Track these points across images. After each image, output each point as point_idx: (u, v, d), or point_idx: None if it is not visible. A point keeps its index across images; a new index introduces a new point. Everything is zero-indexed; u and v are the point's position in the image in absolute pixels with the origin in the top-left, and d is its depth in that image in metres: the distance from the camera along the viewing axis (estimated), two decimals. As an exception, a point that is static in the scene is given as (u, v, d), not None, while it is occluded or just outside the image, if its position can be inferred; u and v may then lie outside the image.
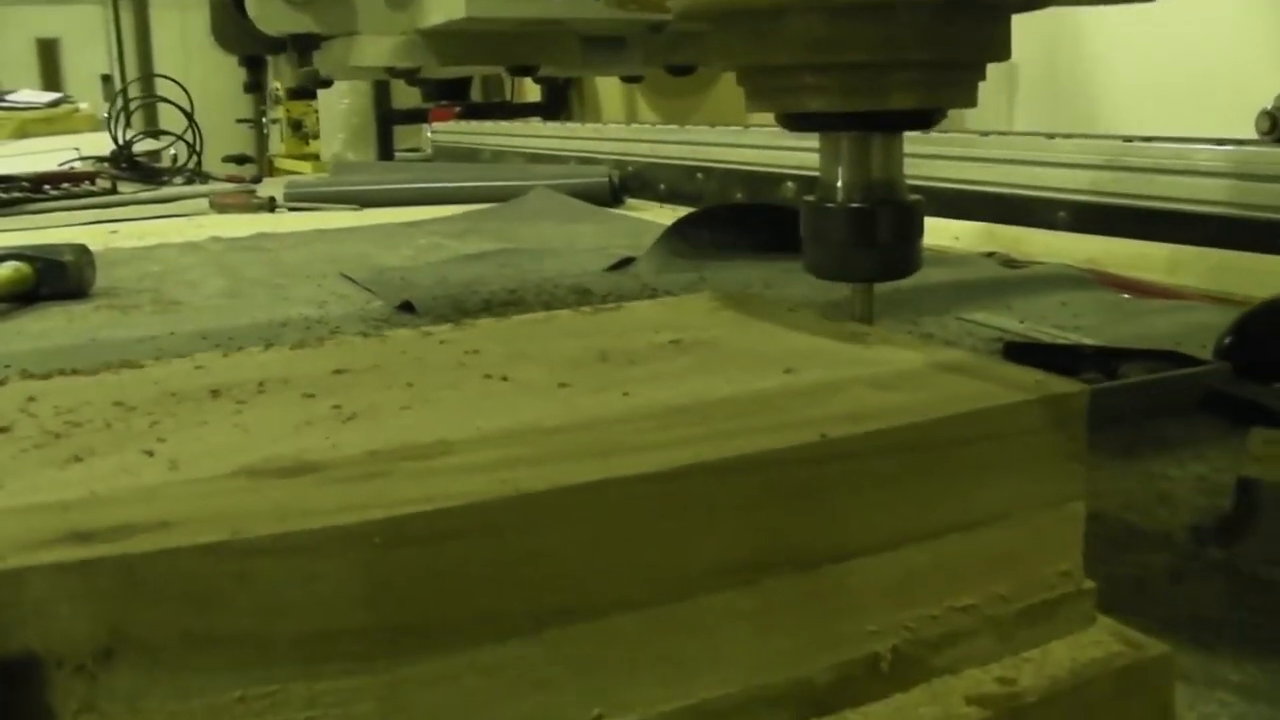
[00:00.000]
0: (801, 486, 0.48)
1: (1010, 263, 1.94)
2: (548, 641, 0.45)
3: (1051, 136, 2.17)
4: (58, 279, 1.83)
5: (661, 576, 0.47)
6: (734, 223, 2.07)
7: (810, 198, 0.73)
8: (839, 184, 0.72)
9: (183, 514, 0.42)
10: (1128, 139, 2.02)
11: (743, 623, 0.49)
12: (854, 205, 0.72)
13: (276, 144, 6.20)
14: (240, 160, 5.75)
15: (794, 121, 0.72)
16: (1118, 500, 0.91)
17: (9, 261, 1.82)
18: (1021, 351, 1.26)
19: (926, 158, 2.32)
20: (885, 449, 0.50)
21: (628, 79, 1.40)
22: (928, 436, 0.51)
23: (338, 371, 0.60)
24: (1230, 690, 0.64)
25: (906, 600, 0.52)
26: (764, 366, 0.59)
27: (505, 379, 0.58)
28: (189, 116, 3.90)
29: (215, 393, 0.58)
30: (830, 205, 0.72)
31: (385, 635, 0.42)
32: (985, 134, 2.32)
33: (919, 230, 0.73)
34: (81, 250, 1.90)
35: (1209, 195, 1.84)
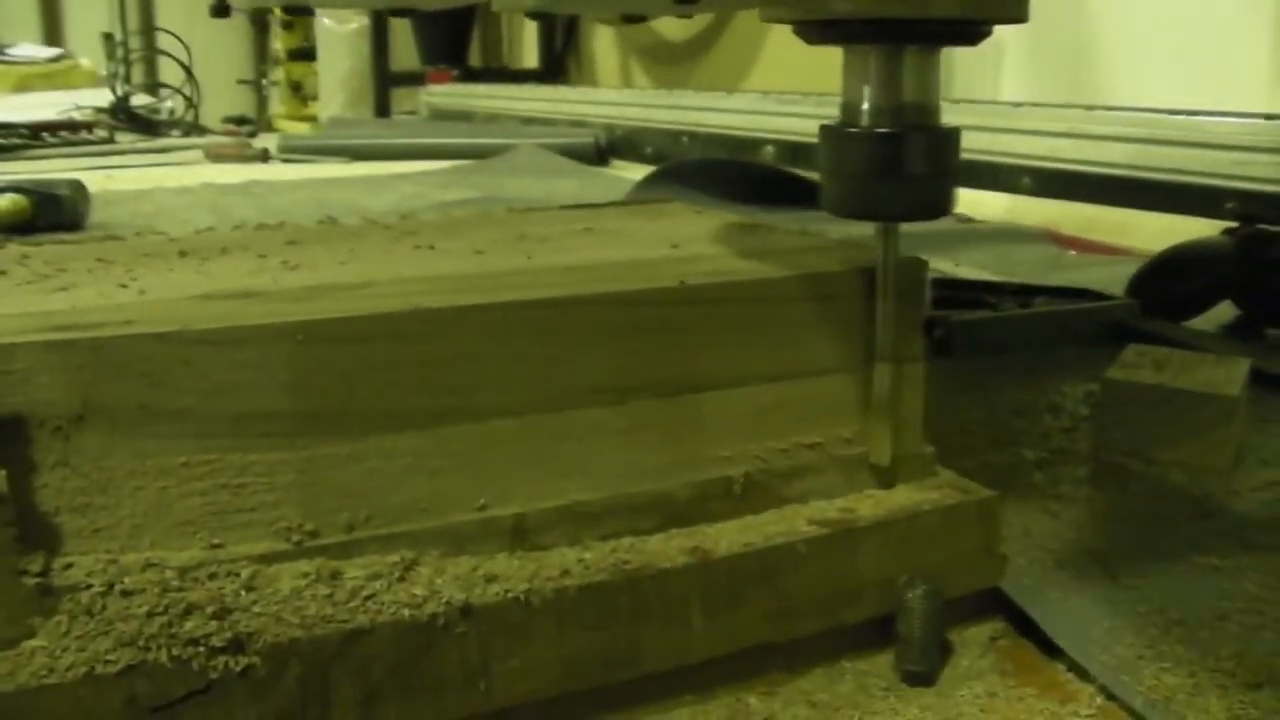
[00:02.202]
0: (662, 323, 0.58)
1: (967, 220, 2.03)
2: (439, 436, 0.55)
3: (1018, 105, 2.26)
4: (54, 212, 1.92)
5: (538, 389, 0.56)
6: (703, 177, 2.16)
7: (829, 123, 0.62)
8: (865, 106, 0.61)
9: (145, 316, 0.52)
10: (1089, 107, 2.10)
11: (611, 438, 0.58)
12: (882, 130, 0.60)
13: (276, 105, 6.27)
14: (240, 121, 5.82)
15: (816, 32, 0.62)
16: (1009, 408, 1.01)
17: (7, 194, 1.90)
18: (943, 284, 1.34)
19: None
20: (733, 298, 0.60)
21: (631, 19, 1.43)
22: (770, 291, 0.61)
23: (290, 242, 0.70)
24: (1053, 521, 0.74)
25: (757, 433, 0.62)
26: (655, 244, 0.68)
27: (432, 248, 0.68)
28: (187, 70, 3.99)
29: (183, 253, 0.67)
30: (854, 130, 0.61)
31: (303, 419, 0.52)
32: (956, 101, 2.40)
33: (954, 162, 0.62)
34: (77, 186, 1.99)
35: (1163, 163, 1.92)
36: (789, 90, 2.85)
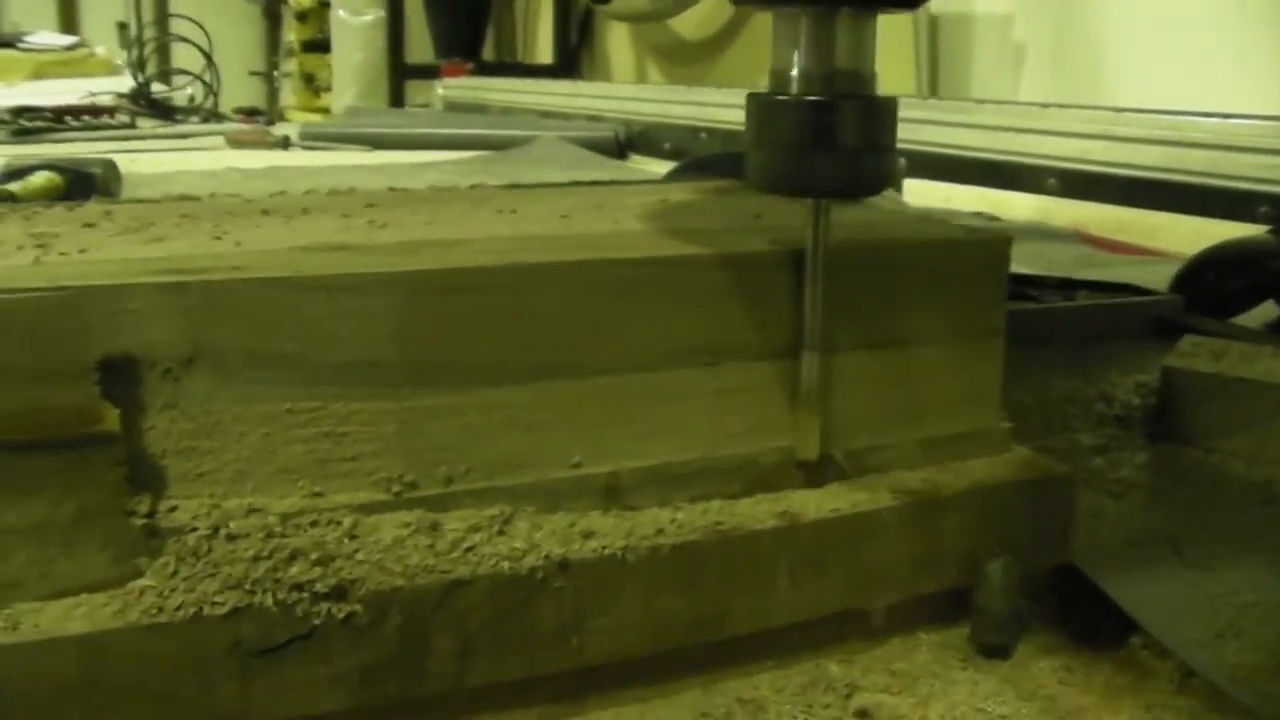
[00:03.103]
0: (756, 287, 0.58)
1: (992, 219, 2.03)
2: (537, 391, 0.55)
3: (1045, 106, 2.26)
4: (87, 190, 1.92)
5: (634, 348, 0.57)
6: (729, 170, 2.16)
7: (757, 93, 0.58)
8: (794, 73, 0.57)
9: (251, 263, 0.52)
10: (1118, 110, 2.10)
11: (703, 400, 0.58)
12: (811, 99, 0.56)
13: (288, 96, 6.27)
14: (251, 112, 5.82)
15: None
16: (1062, 394, 1.01)
17: (42, 171, 1.90)
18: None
19: (921, 122, 2.40)
20: (830, 265, 0.60)
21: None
22: (870, 259, 0.61)
23: (369, 205, 0.70)
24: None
25: (844, 401, 0.62)
26: (736, 215, 0.68)
27: (514, 212, 0.68)
28: (208, 57, 3.99)
29: (265, 212, 0.67)
30: (782, 98, 0.57)
31: (407, 369, 0.52)
32: (981, 102, 2.40)
33: (891, 135, 0.58)
34: (109, 165, 1.99)
35: (1193, 166, 1.92)
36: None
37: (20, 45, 5.43)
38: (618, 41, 4.59)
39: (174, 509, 0.50)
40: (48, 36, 5.80)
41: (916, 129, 2.34)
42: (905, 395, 0.64)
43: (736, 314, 0.59)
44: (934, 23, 2.96)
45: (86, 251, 0.55)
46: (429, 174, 2.47)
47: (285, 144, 3.12)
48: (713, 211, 0.69)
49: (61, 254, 0.54)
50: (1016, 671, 0.60)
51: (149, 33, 4.73)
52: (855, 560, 0.60)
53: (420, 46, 4.90)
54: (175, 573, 0.48)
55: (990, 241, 0.65)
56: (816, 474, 0.62)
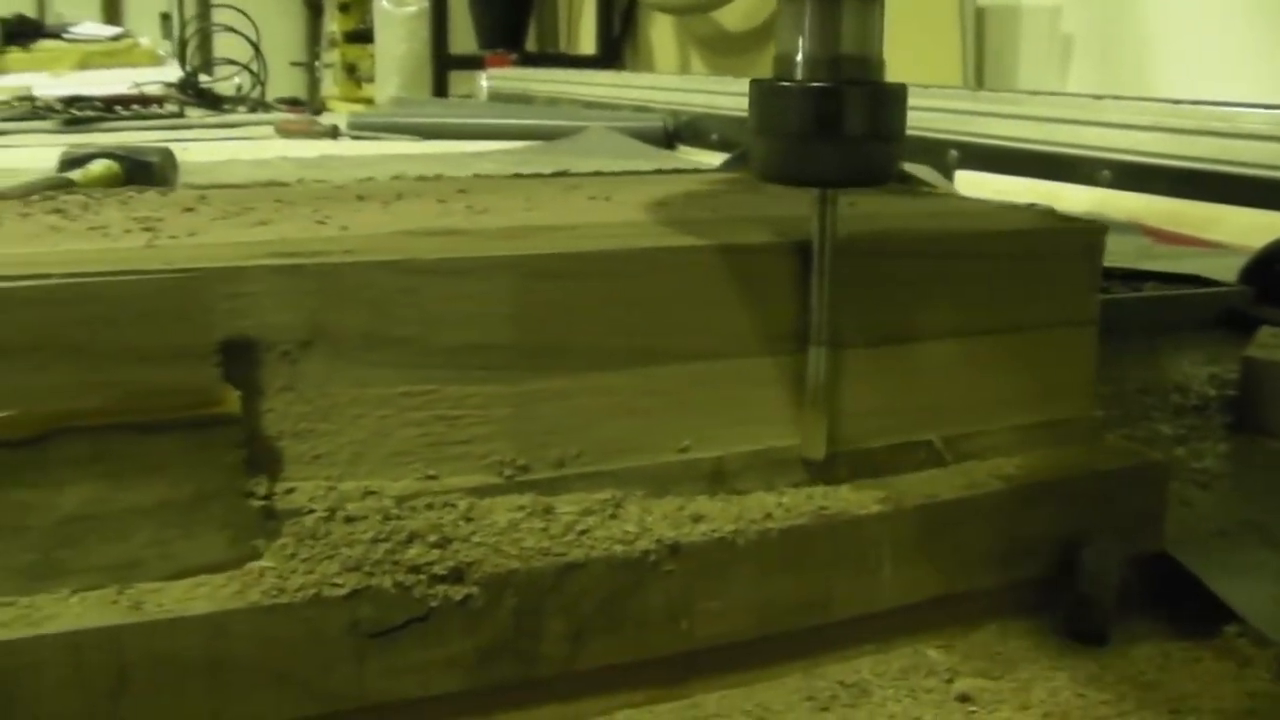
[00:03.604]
0: (862, 274, 0.58)
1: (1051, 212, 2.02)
2: (648, 376, 0.55)
3: (1099, 98, 2.25)
4: (144, 177, 1.92)
5: (741, 334, 0.56)
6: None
7: (761, 79, 0.57)
8: (798, 59, 0.55)
9: (363, 247, 0.52)
10: (1175, 101, 2.09)
11: (795, 388, 0.58)
12: (816, 85, 0.55)
13: (329, 87, 6.30)
14: (293, 102, 5.85)
15: None
16: (1137, 385, 1.00)
17: (101, 160, 1.91)
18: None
19: (972, 114, 2.39)
20: (930, 253, 0.59)
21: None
22: (967, 247, 0.61)
23: (461, 190, 0.70)
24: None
25: (947, 390, 0.62)
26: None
27: (608, 199, 0.68)
28: (255, 47, 4.00)
29: (360, 197, 0.68)
30: (786, 84, 0.55)
31: (521, 353, 0.53)
32: (1034, 93, 2.39)
33: (900, 123, 0.56)
34: (166, 153, 1.99)
35: (1250, 158, 1.91)
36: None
37: (66, 36, 5.47)
38: (661, 32, 4.59)
39: (291, 491, 0.50)
40: (93, 27, 5.83)
41: (967, 120, 2.33)
42: (1000, 382, 0.64)
43: (843, 299, 0.58)
44: (980, 14, 2.95)
45: (195, 235, 0.56)
46: (481, 164, 2.47)
47: (334, 133, 3.12)
48: (802, 197, 0.69)
49: (171, 237, 0.55)
50: (1114, 658, 0.60)
51: (193, 24, 4.75)
52: (955, 545, 0.60)
53: (462, 37, 4.91)
54: (294, 554, 0.48)
55: (1086, 230, 0.65)
56: (825, 473, 0.60)
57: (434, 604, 0.49)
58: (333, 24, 6.08)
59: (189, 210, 0.63)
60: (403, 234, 0.56)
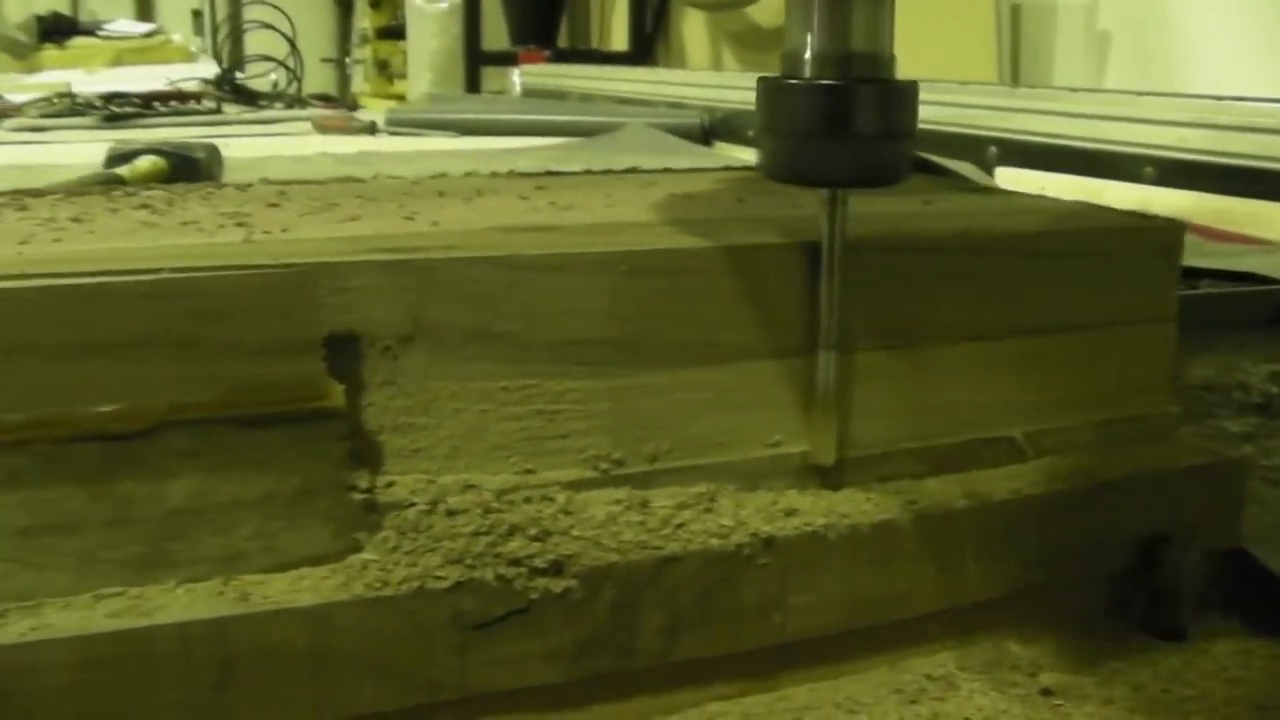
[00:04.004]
0: (947, 271, 0.59)
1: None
2: (741, 371, 0.55)
3: (1141, 94, 2.24)
4: (190, 173, 1.93)
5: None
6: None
7: (768, 76, 0.55)
8: (807, 55, 0.53)
9: (463, 243, 0.52)
10: (1217, 98, 2.08)
11: (892, 381, 0.59)
12: (824, 82, 0.53)
13: (360, 83, 6.30)
14: (324, 99, 5.86)
15: None
16: (1199, 382, 1.00)
17: (147, 156, 1.92)
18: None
19: (1012, 110, 2.39)
20: (1019, 250, 0.60)
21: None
22: (1048, 245, 0.61)
23: (539, 187, 0.71)
24: None
25: (1028, 386, 0.62)
26: (905, 200, 0.69)
27: (688, 196, 0.68)
28: (291, 43, 4.01)
29: (441, 194, 0.68)
30: (794, 82, 0.54)
31: (619, 348, 0.53)
32: (1075, 89, 2.39)
33: (911, 121, 0.55)
34: (212, 149, 2.00)
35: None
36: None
37: (100, 33, 5.49)
38: (693, 29, 4.59)
39: (391, 484, 0.51)
40: (126, 24, 5.86)
41: (1007, 117, 2.32)
42: (1080, 378, 0.64)
43: (925, 296, 0.59)
44: (1016, 11, 2.95)
45: (288, 231, 0.56)
46: (522, 160, 2.47)
47: (371, 129, 3.13)
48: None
49: (265, 233, 0.55)
50: (1196, 654, 0.61)
51: (228, 22, 4.77)
52: (1037, 540, 0.60)
53: (494, 33, 4.91)
54: (397, 547, 0.49)
55: (1166, 228, 0.65)
56: (834, 476, 0.59)
57: (534, 596, 0.49)
58: (364, 20, 6.08)
59: (273, 206, 0.63)
60: (495, 230, 0.56)
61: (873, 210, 0.64)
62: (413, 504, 0.50)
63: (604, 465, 0.53)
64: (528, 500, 0.51)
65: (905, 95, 0.54)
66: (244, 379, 0.47)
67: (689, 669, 0.53)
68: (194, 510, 0.48)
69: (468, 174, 0.78)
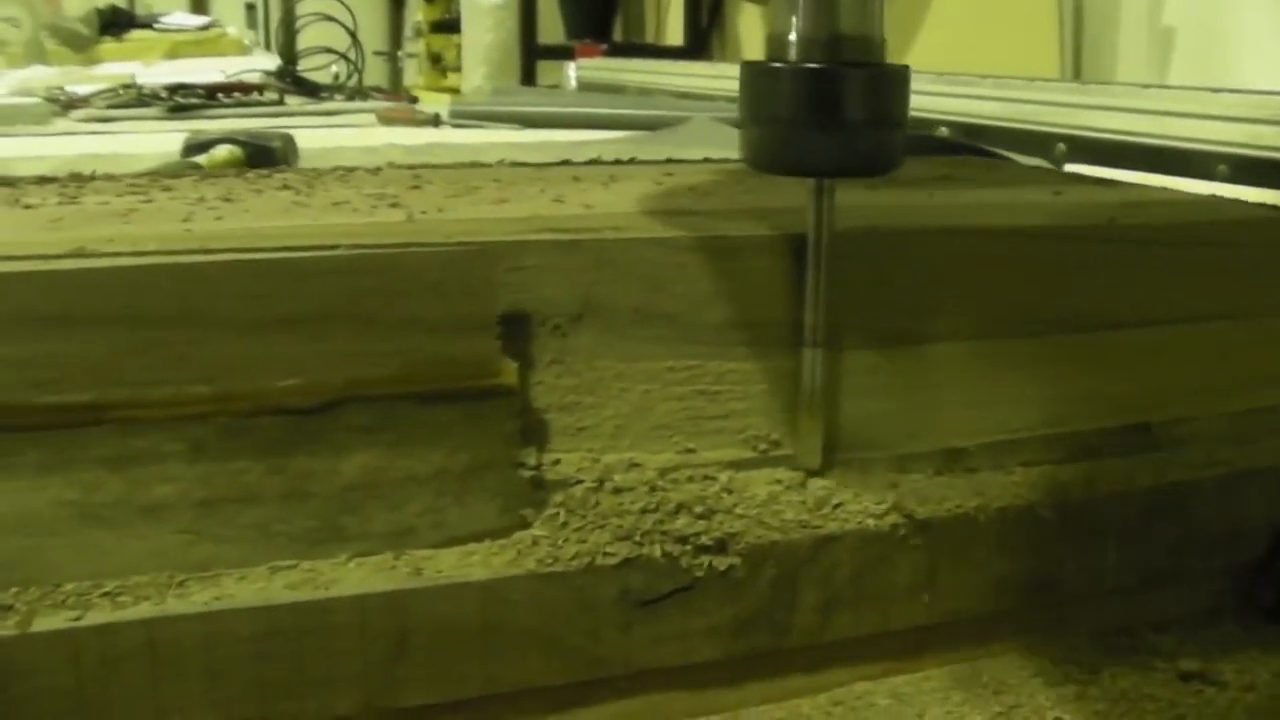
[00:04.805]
0: (1090, 260, 0.59)
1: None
2: (890, 357, 0.56)
3: (1215, 90, 2.22)
4: (266, 162, 1.95)
5: (980, 317, 0.57)
6: (915, 151, 2.15)
7: (751, 60, 0.52)
8: (792, 37, 0.50)
9: (625, 224, 0.53)
10: (1297, 93, 2.07)
11: (1038, 368, 0.59)
12: (810, 66, 0.50)
13: (413, 76, 6.32)
14: (383, 91, 5.88)
15: None
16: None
17: (224, 145, 1.94)
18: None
19: (1079, 107, 2.37)
20: (1162, 240, 0.60)
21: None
22: (1191, 235, 0.62)
23: (668, 174, 0.71)
24: None
25: (1164, 375, 0.62)
26: (1030, 189, 0.69)
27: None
28: (353, 35, 4.04)
29: (577, 179, 0.69)
30: (778, 66, 0.50)
31: (781, 328, 0.53)
32: (1145, 85, 2.37)
33: (902, 108, 0.52)
34: (287, 138, 2.02)
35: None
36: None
37: (157, 26, 5.52)
38: (750, 23, 4.58)
39: (557, 462, 0.51)
40: (182, 17, 5.89)
41: (1075, 113, 2.31)
42: (1214, 369, 0.64)
43: (1072, 285, 0.59)
44: (1079, 6, 2.93)
45: (444, 212, 0.57)
46: (590, 152, 2.47)
47: (435, 121, 3.14)
48: (1003, 183, 0.70)
49: (423, 213, 0.56)
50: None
51: (290, 14, 4.80)
52: (1173, 528, 0.60)
53: (548, 27, 4.92)
54: (565, 524, 0.50)
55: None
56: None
57: (699, 574, 0.50)
58: (418, 14, 6.10)
59: (415, 188, 0.64)
60: (646, 213, 0.57)
61: (1008, 200, 0.65)
62: (579, 481, 0.51)
63: (762, 445, 0.54)
64: (690, 480, 0.52)
65: (896, 80, 0.51)
66: (421, 355, 0.48)
67: (839, 648, 0.54)
68: (367, 485, 0.49)
69: (589, 161, 0.79)
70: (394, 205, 0.58)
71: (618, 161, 0.80)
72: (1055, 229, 0.59)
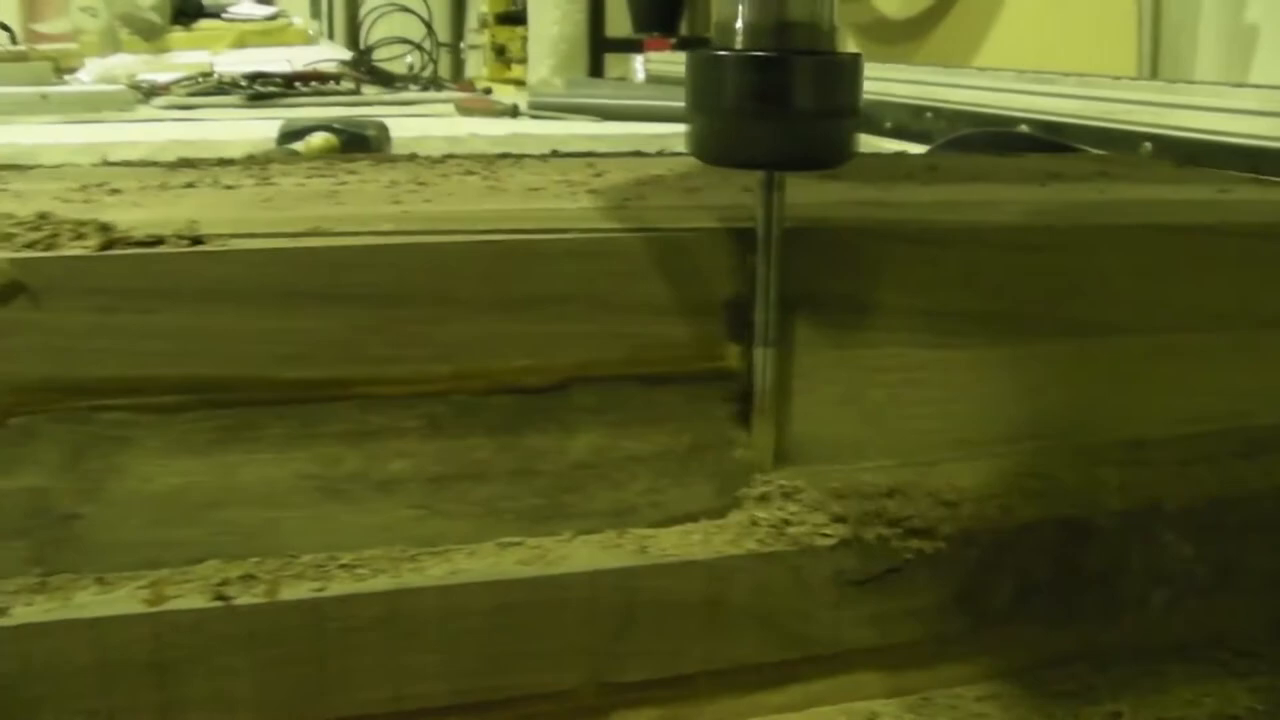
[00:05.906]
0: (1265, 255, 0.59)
1: None
2: (1080, 346, 0.56)
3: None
4: (360, 150, 1.97)
5: (1159, 311, 0.58)
6: (988, 148, 2.15)
7: (696, 50, 0.50)
8: (738, 24, 0.49)
9: (827, 214, 0.54)
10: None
11: (1215, 362, 0.59)
12: (757, 54, 0.48)
13: (476, 68, 6.34)
14: (457, 82, 5.91)
15: None
16: None
17: (320, 132, 1.96)
18: None
19: (1166, 106, 2.36)
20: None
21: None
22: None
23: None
24: None
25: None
26: (1201, 186, 0.69)
27: (931, 169, 0.69)
28: (428, 26, 4.06)
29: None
30: (724, 54, 0.49)
31: (978, 319, 0.54)
32: (1238, 85, 2.36)
33: (853, 97, 0.49)
34: (381, 126, 2.04)
35: None
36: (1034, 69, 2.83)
37: (225, 16, 5.56)
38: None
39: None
40: (249, 7, 5.92)
41: (1160, 112, 2.30)
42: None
43: (1249, 280, 0.60)
44: (1158, 2, 2.92)
45: (645, 199, 0.58)
46: (670, 145, 2.48)
47: (514, 112, 3.15)
48: (1145, 179, 0.71)
49: (626, 200, 0.57)
50: None
51: (372, 2, 4.83)
52: None
53: (614, 21, 4.93)
54: (783, 506, 0.51)
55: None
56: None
57: (908, 556, 0.51)
58: (482, 5, 6.12)
59: (598, 175, 0.65)
60: (836, 203, 0.58)
61: (1186, 197, 0.66)
62: (794, 464, 0.52)
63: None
64: (901, 465, 0.53)
65: (846, 69, 0.49)
66: (650, 338, 0.50)
67: (1024, 632, 0.55)
68: (592, 465, 0.50)
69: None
70: (591, 192, 0.59)
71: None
72: (1266, 226, 0.59)
